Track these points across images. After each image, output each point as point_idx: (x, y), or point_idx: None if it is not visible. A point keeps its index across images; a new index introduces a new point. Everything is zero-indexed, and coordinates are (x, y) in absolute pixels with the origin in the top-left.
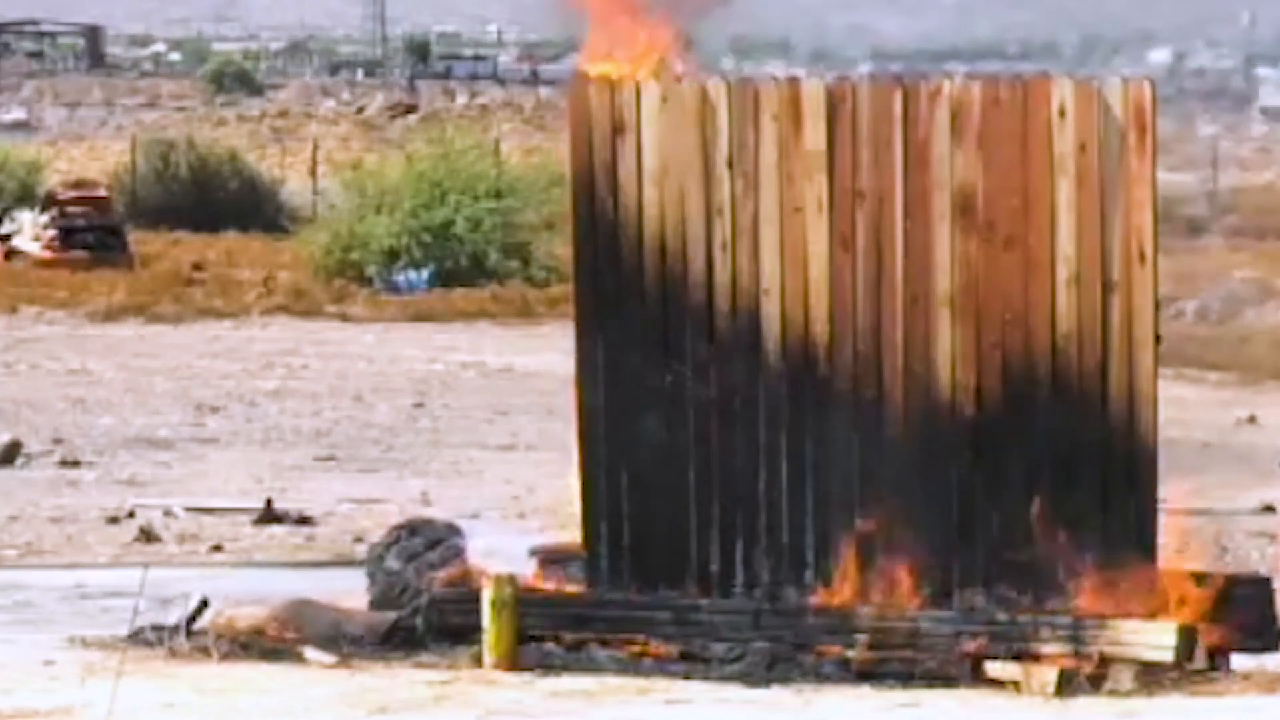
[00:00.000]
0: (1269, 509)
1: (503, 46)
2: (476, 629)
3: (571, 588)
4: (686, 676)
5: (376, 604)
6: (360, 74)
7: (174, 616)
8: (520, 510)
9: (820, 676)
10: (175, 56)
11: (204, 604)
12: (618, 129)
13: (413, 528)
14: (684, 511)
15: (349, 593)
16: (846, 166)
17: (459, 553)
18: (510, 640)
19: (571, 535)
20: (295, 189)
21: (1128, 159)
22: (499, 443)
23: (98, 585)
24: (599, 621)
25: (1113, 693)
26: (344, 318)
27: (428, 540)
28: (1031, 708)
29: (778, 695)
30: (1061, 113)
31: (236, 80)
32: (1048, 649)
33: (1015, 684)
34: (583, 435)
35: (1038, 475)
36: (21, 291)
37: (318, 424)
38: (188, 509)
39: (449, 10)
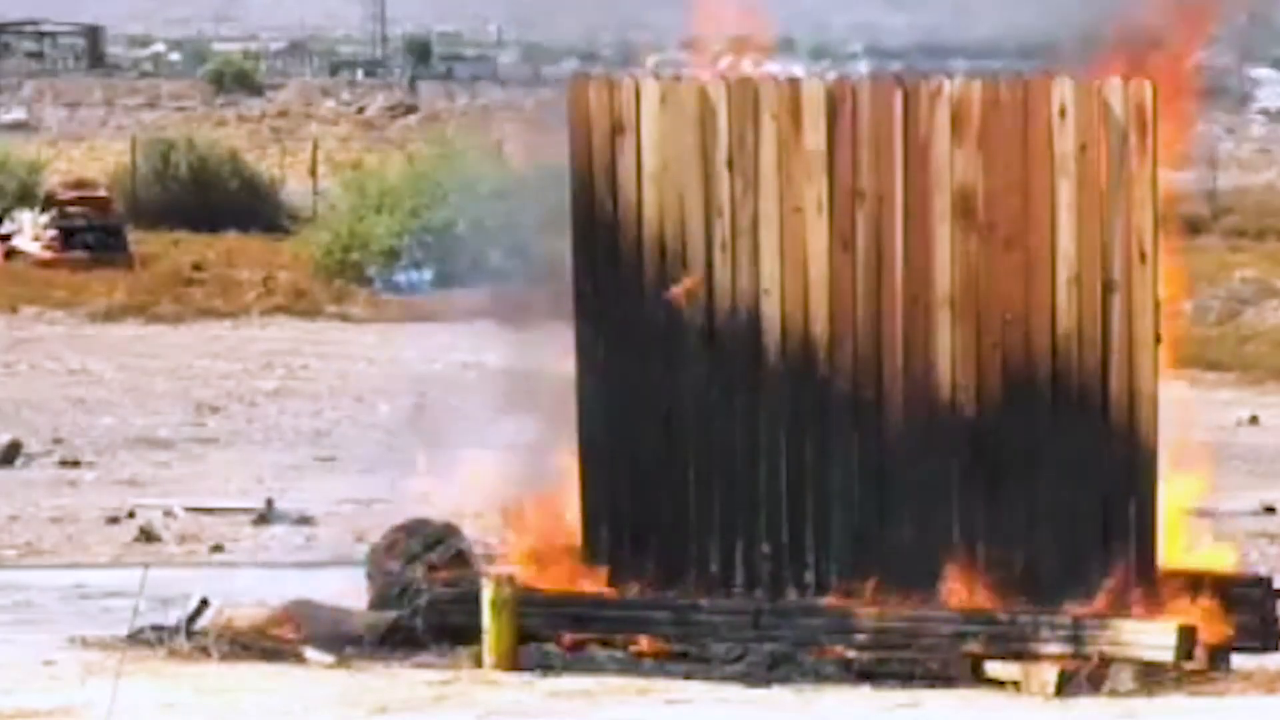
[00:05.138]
0: (1269, 509)
1: (503, 47)
2: (476, 629)
3: (571, 587)
4: (686, 676)
5: (376, 604)
6: (360, 74)
7: (174, 616)
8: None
9: (820, 676)
10: (175, 56)
11: (204, 604)
12: (617, 129)
13: (412, 528)
14: (684, 511)
15: (349, 593)
16: (846, 166)
17: (459, 553)
18: (510, 640)
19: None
20: (295, 189)
21: (1128, 159)
22: (499, 443)
23: (98, 585)
24: (599, 621)
25: (1113, 693)
26: (344, 318)
27: (427, 540)
28: (1031, 708)
29: (778, 695)
30: (1062, 113)
31: (236, 80)
32: (1048, 649)
33: (1015, 684)
34: (582, 435)
35: (1038, 475)
36: (21, 291)
37: (318, 424)
38: (188, 509)
39: (449, 10)
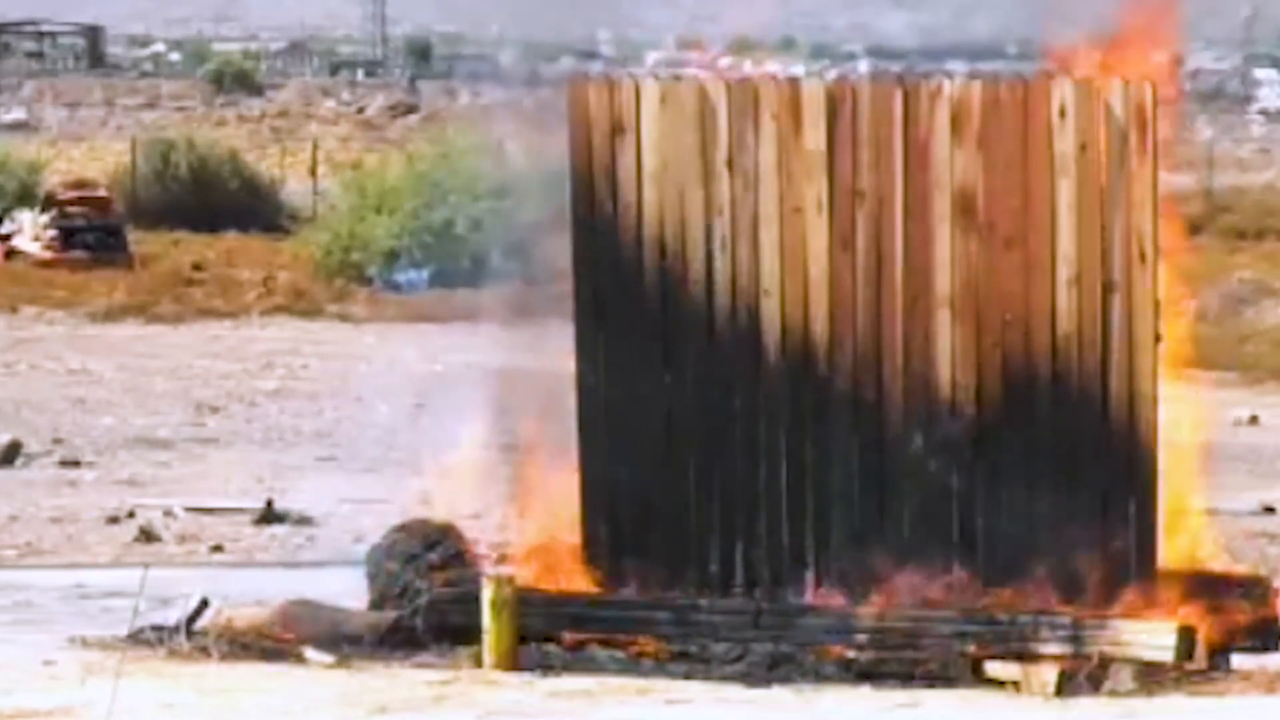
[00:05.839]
0: (1269, 509)
1: (502, 47)
2: (476, 629)
3: (571, 587)
4: (686, 676)
5: (376, 604)
6: (360, 74)
7: (174, 616)
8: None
9: (820, 676)
10: (175, 56)
11: (204, 604)
12: (617, 129)
13: (412, 528)
14: (684, 511)
15: (349, 593)
16: (846, 166)
17: (459, 553)
18: (510, 640)
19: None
20: (295, 189)
21: (1128, 159)
22: (499, 443)
23: (98, 585)
24: (599, 621)
25: (1113, 693)
26: (344, 318)
27: (427, 540)
28: (1031, 708)
29: (778, 695)
30: (1062, 113)
31: (236, 80)
32: (1048, 649)
33: (1015, 684)
34: (582, 435)
35: (1038, 475)
36: (21, 291)
37: (318, 424)
38: (188, 509)
39: (449, 10)
